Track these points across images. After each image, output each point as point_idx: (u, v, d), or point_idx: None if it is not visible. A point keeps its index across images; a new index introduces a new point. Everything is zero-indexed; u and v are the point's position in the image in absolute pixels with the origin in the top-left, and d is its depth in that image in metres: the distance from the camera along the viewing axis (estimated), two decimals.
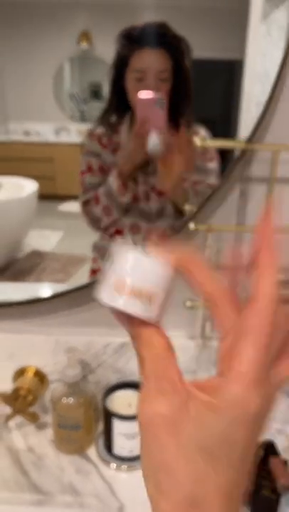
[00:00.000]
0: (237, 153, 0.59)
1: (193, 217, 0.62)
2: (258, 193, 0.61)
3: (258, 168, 0.60)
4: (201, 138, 0.54)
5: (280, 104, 0.57)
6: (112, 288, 0.24)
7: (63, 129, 0.72)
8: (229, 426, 0.21)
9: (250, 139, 0.56)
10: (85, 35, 0.63)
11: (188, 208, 0.62)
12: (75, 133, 0.72)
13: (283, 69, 0.54)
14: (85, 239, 0.74)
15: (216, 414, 0.21)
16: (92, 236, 0.72)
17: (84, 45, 0.64)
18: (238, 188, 0.60)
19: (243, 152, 0.57)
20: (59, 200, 0.74)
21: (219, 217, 0.63)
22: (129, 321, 0.24)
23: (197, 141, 0.53)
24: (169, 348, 0.24)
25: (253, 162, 0.60)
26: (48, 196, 0.73)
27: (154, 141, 0.60)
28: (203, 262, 0.25)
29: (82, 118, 0.71)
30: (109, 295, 0.24)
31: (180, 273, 0.25)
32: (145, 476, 0.23)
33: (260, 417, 0.22)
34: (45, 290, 0.74)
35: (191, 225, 0.58)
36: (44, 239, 0.78)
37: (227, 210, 0.63)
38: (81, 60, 0.66)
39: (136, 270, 0.24)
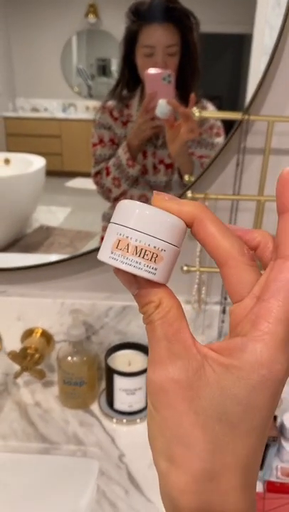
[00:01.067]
0: (234, 125, 0.61)
1: (191, 186, 0.64)
2: (253, 163, 0.64)
3: (254, 139, 0.62)
4: (198, 109, 0.56)
5: (277, 76, 0.59)
6: (114, 245, 0.21)
7: (71, 105, 0.73)
8: (252, 391, 0.19)
9: (247, 110, 0.58)
10: (93, 8, 0.64)
11: (187, 178, 0.64)
12: (82, 109, 0.73)
13: (281, 39, 0.56)
14: (92, 215, 0.76)
15: (238, 378, 0.19)
16: (100, 212, 0.74)
17: (91, 18, 0.64)
18: (235, 159, 0.63)
19: (239, 124, 0.59)
20: (66, 176, 0.75)
21: (217, 187, 0.66)
22: (132, 281, 0.22)
23: (195, 112, 0.55)
24: (180, 308, 0.22)
25: (249, 133, 0.62)
26: (55, 172, 0.75)
27: (162, 105, 0.62)
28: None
29: (90, 94, 0.71)
30: (110, 253, 0.22)
31: (189, 227, 0.22)
32: (156, 449, 0.21)
33: (284, 382, 0.20)
34: (52, 259, 0.77)
35: (189, 194, 0.61)
36: (52, 214, 0.80)
37: (224, 181, 0.65)
38: (88, 34, 0.67)
39: (141, 224, 0.21)
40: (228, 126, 0.63)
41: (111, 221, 0.22)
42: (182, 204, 0.22)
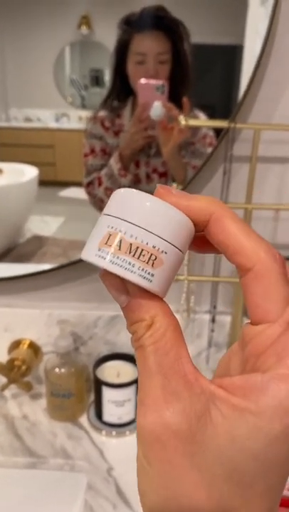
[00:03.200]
0: (221, 133, 0.61)
1: None
2: (241, 172, 0.64)
3: (241, 147, 0.62)
4: (185, 117, 0.56)
5: (263, 84, 0.59)
6: (103, 240, 0.17)
7: (64, 116, 0.73)
8: (273, 443, 0.15)
9: (234, 119, 0.58)
10: (85, 20, 0.64)
11: (176, 186, 0.64)
12: (75, 119, 0.73)
13: (266, 47, 0.56)
14: (86, 224, 0.76)
15: (255, 427, 0.15)
16: (93, 221, 0.73)
17: (84, 29, 0.65)
18: (222, 167, 0.63)
19: (226, 132, 0.59)
20: (59, 186, 0.75)
21: (204, 195, 0.66)
22: (121, 288, 0.18)
23: (181, 120, 0.55)
24: (177, 331, 0.18)
25: (236, 142, 0.62)
26: (48, 182, 0.74)
27: (157, 107, 0.61)
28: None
29: (83, 104, 0.72)
30: (96, 250, 0.17)
31: (200, 228, 0.18)
32: (146, 507, 0.17)
33: None
34: (41, 268, 0.76)
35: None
36: (45, 224, 0.80)
37: (211, 189, 0.65)
38: (81, 45, 0.67)
39: (139, 217, 0.17)
40: (219, 135, 0.63)
41: (103, 212, 0.18)
42: (193, 199, 0.18)
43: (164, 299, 0.18)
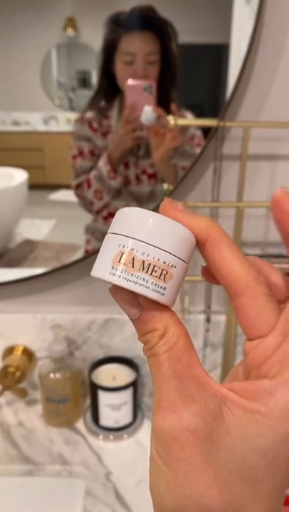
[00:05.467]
0: (211, 132, 0.61)
1: (170, 195, 0.64)
2: (231, 170, 0.64)
3: (230, 145, 0.62)
4: (173, 117, 0.56)
5: (251, 82, 0.59)
6: (115, 259, 0.18)
7: (52, 118, 0.72)
8: (281, 442, 0.16)
9: (223, 117, 0.58)
10: (71, 22, 0.64)
11: (166, 187, 0.64)
12: (64, 122, 0.72)
13: (253, 44, 0.56)
14: (77, 227, 0.75)
15: (264, 426, 0.17)
16: (84, 224, 0.73)
17: (70, 31, 0.64)
18: (212, 166, 0.63)
19: (215, 130, 0.59)
20: (49, 189, 0.74)
21: (195, 194, 0.66)
22: (134, 302, 0.19)
23: (170, 120, 0.55)
24: (188, 338, 0.19)
25: (225, 140, 0.62)
26: (38, 186, 0.74)
27: (148, 112, 0.61)
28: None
29: (71, 106, 0.71)
30: (109, 268, 0.18)
31: (198, 244, 0.20)
32: (163, 508, 0.18)
33: None
34: (33, 273, 0.75)
35: None
36: (35, 228, 0.78)
37: (202, 188, 0.65)
38: (68, 47, 0.67)
39: (149, 235, 0.18)
40: (208, 135, 0.62)
41: (109, 231, 0.19)
42: (194, 218, 0.19)
43: (173, 311, 0.19)
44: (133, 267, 0.17)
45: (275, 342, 0.18)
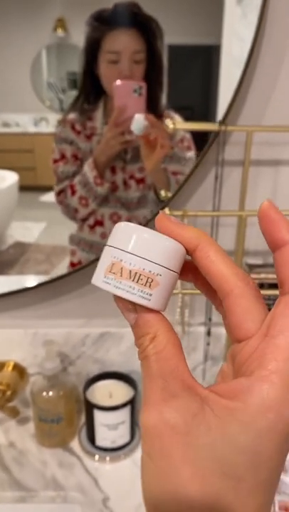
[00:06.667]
0: (211, 137, 0.58)
1: (168, 202, 0.61)
2: (232, 176, 0.60)
3: (232, 151, 0.59)
4: (173, 121, 0.52)
5: (252, 85, 0.56)
6: (108, 269, 0.20)
7: (43, 119, 0.70)
8: (259, 437, 0.17)
9: (224, 122, 0.55)
10: (61, 22, 0.62)
11: (163, 194, 0.61)
12: (54, 123, 0.70)
13: (255, 47, 0.53)
14: (68, 229, 0.72)
15: (243, 423, 0.17)
16: (75, 226, 0.70)
17: (60, 32, 0.62)
18: (213, 172, 0.59)
19: (216, 135, 0.55)
20: (40, 190, 0.72)
21: (195, 202, 0.62)
22: (131, 309, 0.21)
23: (169, 123, 0.52)
24: (177, 344, 0.20)
25: (226, 145, 0.58)
26: (29, 187, 0.72)
27: (139, 121, 0.58)
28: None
29: (61, 108, 0.69)
30: (103, 277, 0.20)
31: (189, 253, 0.21)
32: (149, 503, 0.19)
33: None
34: (26, 283, 0.72)
35: (166, 211, 0.57)
36: (26, 230, 0.76)
37: (202, 195, 0.62)
38: (58, 48, 0.65)
39: (137, 248, 0.20)
40: (197, 138, 0.60)
41: (106, 244, 0.21)
42: (184, 229, 0.21)
43: (167, 319, 0.21)
44: (122, 275, 0.20)
45: (258, 343, 0.19)
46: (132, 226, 0.20)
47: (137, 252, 0.20)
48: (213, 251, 0.20)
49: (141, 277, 0.19)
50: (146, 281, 0.20)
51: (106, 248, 0.21)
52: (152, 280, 0.20)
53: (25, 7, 0.62)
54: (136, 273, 0.19)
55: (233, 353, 0.20)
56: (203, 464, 0.17)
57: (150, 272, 0.20)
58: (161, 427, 0.18)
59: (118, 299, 0.21)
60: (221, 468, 0.17)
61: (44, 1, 0.61)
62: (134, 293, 0.19)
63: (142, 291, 0.20)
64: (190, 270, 0.23)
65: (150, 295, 0.20)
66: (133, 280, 0.19)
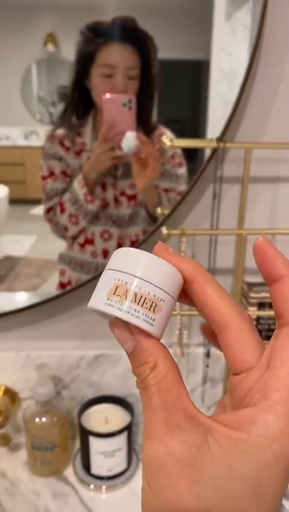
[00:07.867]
0: (207, 153, 0.56)
1: (165, 221, 0.59)
2: (230, 193, 0.59)
3: (230, 168, 0.58)
4: (170, 138, 0.51)
5: (250, 103, 0.56)
6: (111, 291, 0.19)
7: (33, 133, 0.70)
8: (264, 469, 0.17)
9: (221, 138, 0.53)
10: (51, 37, 0.61)
11: (159, 211, 0.59)
12: (44, 136, 0.69)
13: (252, 64, 0.52)
14: (59, 242, 0.71)
15: (248, 454, 0.17)
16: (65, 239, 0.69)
17: (50, 47, 0.62)
18: (211, 189, 0.58)
19: (214, 152, 0.54)
20: (31, 204, 0.71)
21: (193, 219, 0.61)
22: (129, 335, 0.20)
23: (166, 141, 0.50)
24: (177, 372, 0.20)
25: (224, 162, 0.57)
26: (19, 200, 0.71)
27: (130, 139, 0.56)
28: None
29: (52, 121, 0.68)
30: (105, 299, 0.19)
31: (185, 285, 0.21)
32: None
33: None
34: (16, 301, 0.70)
35: (164, 230, 0.55)
36: (17, 244, 0.76)
37: (200, 213, 0.61)
38: (48, 62, 0.64)
39: (142, 271, 0.19)
40: (188, 154, 0.60)
41: (107, 268, 0.21)
42: (181, 260, 0.21)
43: (165, 346, 0.20)
44: (126, 298, 0.19)
45: (258, 374, 0.19)
46: (135, 250, 0.20)
47: (142, 275, 0.19)
48: (209, 284, 0.21)
49: (146, 301, 0.19)
50: (151, 306, 0.19)
51: (107, 272, 0.20)
52: (156, 305, 0.19)
53: (16, 22, 0.61)
54: (141, 296, 0.19)
55: (231, 385, 0.20)
56: (208, 496, 0.17)
57: (154, 296, 0.19)
58: (167, 460, 0.18)
59: (114, 324, 0.20)
60: (227, 500, 0.17)
61: (35, 16, 0.61)
62: (138, 316, 0.19)
63: (146, 315, 0.19)
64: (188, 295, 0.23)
65: (153, 320, 0.19)
66: (138, 303, 0.19)
